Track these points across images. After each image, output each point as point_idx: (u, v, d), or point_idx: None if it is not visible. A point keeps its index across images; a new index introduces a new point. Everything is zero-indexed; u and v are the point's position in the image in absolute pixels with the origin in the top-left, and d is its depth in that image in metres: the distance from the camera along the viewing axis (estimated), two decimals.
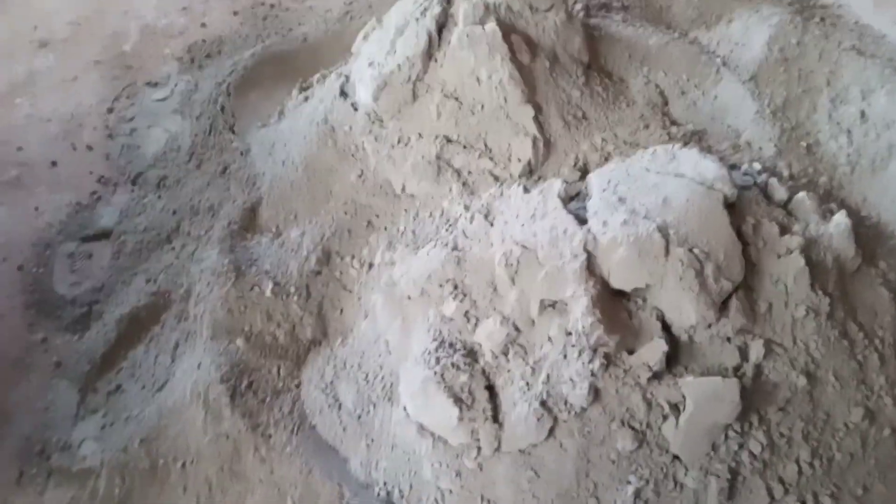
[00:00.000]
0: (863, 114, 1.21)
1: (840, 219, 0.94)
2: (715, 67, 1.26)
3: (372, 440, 0.91)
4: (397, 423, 0.89)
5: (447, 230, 0.99)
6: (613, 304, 0.83)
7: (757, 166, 1.04)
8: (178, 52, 1.62)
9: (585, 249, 0.82)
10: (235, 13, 1.70)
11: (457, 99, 1.07)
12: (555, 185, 0.89)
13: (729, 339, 0.83)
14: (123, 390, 1.08)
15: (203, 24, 1.69)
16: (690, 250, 0.81)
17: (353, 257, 1.08)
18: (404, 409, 0.88)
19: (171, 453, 0.95)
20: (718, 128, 1.17)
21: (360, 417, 0.93)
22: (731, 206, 0.89)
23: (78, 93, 1.58)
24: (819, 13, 1.50)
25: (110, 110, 1.53)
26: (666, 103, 1.22)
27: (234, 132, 1.33)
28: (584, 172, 1.04)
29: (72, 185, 1.40)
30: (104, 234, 1.30)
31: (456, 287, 0.89)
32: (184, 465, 0.94)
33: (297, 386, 0.99)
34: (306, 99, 1.33)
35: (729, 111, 1.21)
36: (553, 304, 0.83)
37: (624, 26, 1.34)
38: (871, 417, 0.85)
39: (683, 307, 0.81)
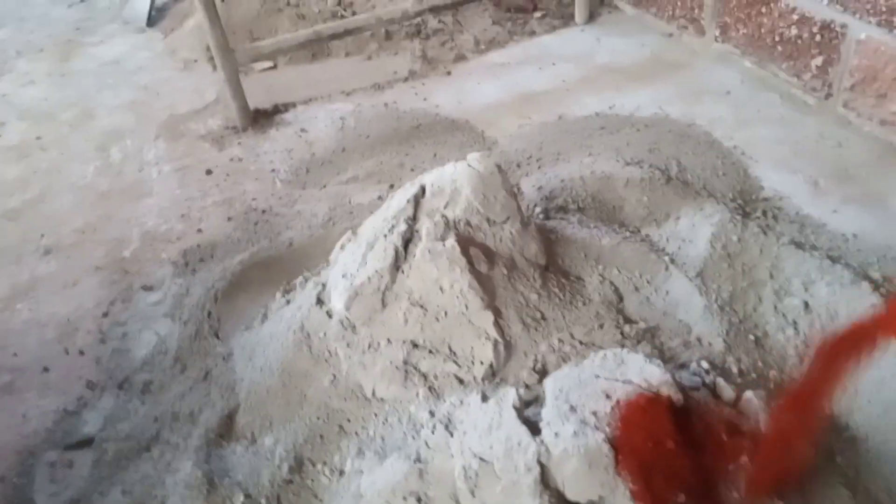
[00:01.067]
0: (806, 305, 1.29)
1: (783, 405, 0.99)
2: (664, 264, 1.36)
3: None
4: None
5: (413, 437, 1.03)
6: None
7: (705, 365, 1.10)
8: (174, 257, 1.74)
9: (539, 462, 0.85)
10: (230, 219, 1.85)
11: (422, 306, 1.16)
12: (509, 395, 0.95)
13: None
14: None
15: (199, 230, 1.83)
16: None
17: (324, 464, 1.10)
18: None
19: None
20: (670, 323, 1.25)
21: None
22: (681, 410, 0.94)
23: (77, 297, 1.68)
24: (761, 206, 1.64)
25: (105, 314, 1.62)
26: (621, 300, 1.30)
27: (218, 337, 1.40)
28: (543, 374, 1.10)
29: (60, 390, 1.45)
30: (87, 442, 1.33)
31: (419, 500, 0.92)
32: None
33: None
34: (288, 302, 1.42)
35: (680, 306, 1.29)
36: None
37: (579, 228, 1.46)
38: None
39: None
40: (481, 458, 0.88)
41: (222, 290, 1.51)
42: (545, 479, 0.84)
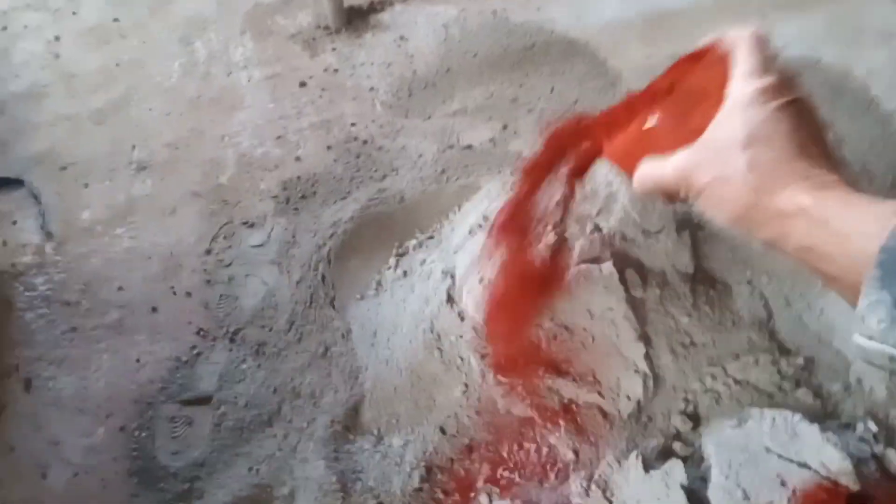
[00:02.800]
0: None
1: None
2: None
3: None
4: None
5: (556, 478, 1.00)
6: None
7: (873, 428, 1.02)
8: (274, 190, 1.66)
9: None
10: (329, 147, 1.73)
11: (567, 328, 1.08)
12: (677, 472, 0.90)
13: None
14: None
15: (298, 158, 1.72)
16: None
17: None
18: None
19: None
20: (827, 355, 1.16)
21: None
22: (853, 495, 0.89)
23: (177, 228, 1.62)
24: None
25: (208, 251, 1.57)
26: (771, 317, 1.21)
27: (334, 307, 1.36)
28: (695, 418, 1.04)
29: (171, 336, 1.45)
30: (205, 400, 1.34)
31: None
32: None
33: None
34: (405, 274, 1.35)
35: (835, 332, 1.19)
36: None
37: None
38: None
39: None
40: None
41: (335, 251, 1.43)
42: None
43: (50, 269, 1.57)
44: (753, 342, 1.15)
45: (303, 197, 1.63)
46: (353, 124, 1.78)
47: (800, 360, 1.13)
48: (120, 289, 1.54)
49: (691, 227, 1.26)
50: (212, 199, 1.67)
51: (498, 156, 1.62)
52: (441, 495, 1.09)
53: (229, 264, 1.54)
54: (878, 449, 0.98)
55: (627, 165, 0.68)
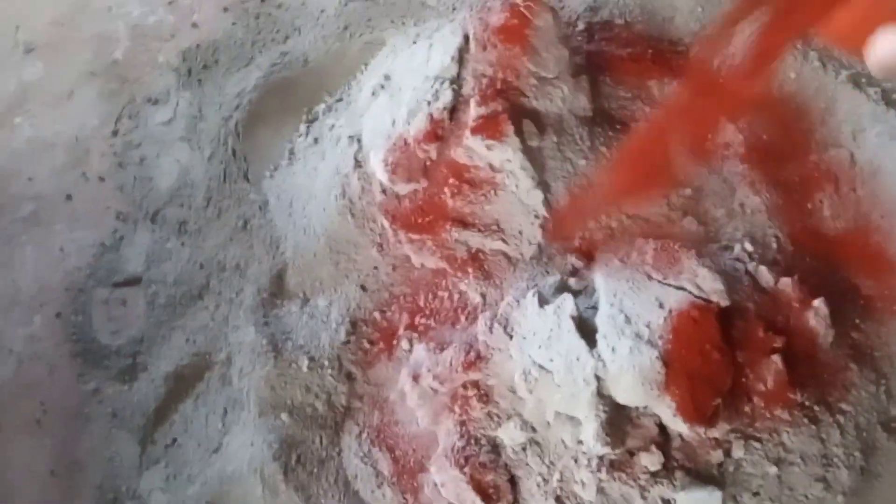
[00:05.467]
0: (852, 157, 1.27)
1: (819, 305, 1.06)
2: None
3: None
4: (432, 495, 1.05)
5: (465, 321, 1.10)
6: (619, 414, 0.96)
7: (749, 248, 1.13)
8: (173, 61, 1.59)
9: (596, 376, 0.94)
10: (226, 9, 1.64)
11: (469, 183, 1.13)
12: (567, 304, 0.99)
13: (716, 439, 0.98)
14: (180, 444, 1.22)
15: (194, 24, 1.64)
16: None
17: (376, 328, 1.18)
18: (435, 484, 1.04)
19: None
20: (715, 184, 1.24)
21: (395, 485, 1.09)
22: (725, 310, 1.00)
23: (78, 112, 1.57)
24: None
25: (115, 133, 1.54)
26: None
27: (248, 180, 1.37)
28: (590, 255, 1.13)
29: (90, 223, 1.45)
30: (135, 281, 1.38)
31: (479, 389, 1.02)
32: None
33: (339, 454, 1.13)
34: (315, 141, 1.35)
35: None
36: (566, 415, 0.97)
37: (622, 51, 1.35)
38: (828, 487, 1.02)
39: (678, 422, 0.94)
40: (542, 367, 0.96)
41: (242, 122, 1.42)
42: (600, 390, 0.93)
43: None
44: None
45: (205, 67, 1.57)
46: None
47: (687, 192, 1.21)
48: (30, 179, 1.51)
49: (593, 70, 1.28)
50: (109, 78, 1.59)
51: (401, 6, 1.56)
52: (367, 345, 1.18)
53: (139, 145, 1.52)
54: (752, 266, 1.09)
55: (854, 38, 0.53)
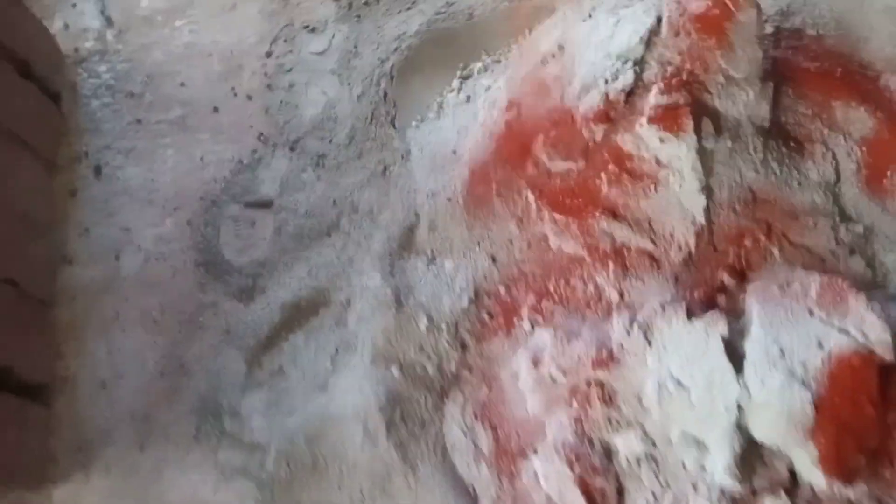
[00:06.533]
0: None
1: None
2: None
3: (503, 489, 1.06)
4: (530, 483, 1.03)
5: (598, 314, 1.06)
6: (752, 449, 0.91)
7: None
8: None
9: (738, 405, 0.88)
10: None
11: (630, 173, 1.07)
12: (718, 324, 0.93)
13: (849, 500, 0.91)
14: (285, 374, 1.24)
15: None
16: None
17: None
18: (535, 473, 1.02)
19: (332, 455, 1.13)
20: (887, 225, 1.14)
21: (492, 465, 1.08)
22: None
23: (237, 25, 1.58)
24: None
25: (268, 54, 1.54)
26: (839, 179, 1.18)
27: (394, 126, 1.35)
28: (742, 275, 1.06)
29: (233, 138, 1.47)
30: (266, 204, 1.40)
31: (603, 389, 0.98)
32: (341, 468, 1.12)
33: (441, 420, 1.13)
34: (468, 99, 1.32)
35: None
36: (695, 437, 0.92)
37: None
38: None
39: (815, 473, 0.88)
40: (679, 382, 0.91)
41: (398, 67, 1.39)
42: (739, 420, 0.88)
43: (112, 57, 1.57)
44: (816, 205, 1.13)
45: (366, 3, 1.55)
46: None
47: (859, 228, 1.12)
48: (182, 84, 1.54)
49: (776, 79, 1.19)
50: None
51: None
52: (487, 317, 1.16)
53: (290, 70, 1.52)
54: None
55: None
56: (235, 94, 1.51)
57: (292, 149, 1.43)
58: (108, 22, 1.61)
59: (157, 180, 1.46)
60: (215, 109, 1.50)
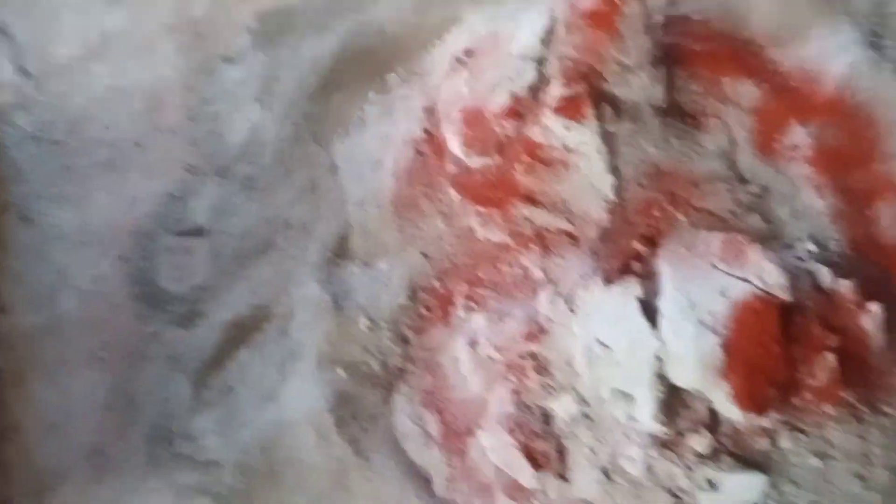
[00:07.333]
0: None
1: (875, 309, 1.07)
2: None
3: (455, 467, 1.11)
4: (478, 458, 1.08)
5: (526, 293, 1.12)
6: (674, 395, 0.98)
7: (811, 248, 1.14)
8: (251, 22, 1.62)
9: (657, 357, 0.96)
10: None
11: (542, 162, 1.15)
12: (633, 286, 1.01)
13: (764, 428, 1.00)
14: (234, 391, 1.27)
15: None
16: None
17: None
18: (482, 448, 1.07)
19: (287, 461, 1.16)
20: (782, 185, 1.24)
21: (442, 447, 1.12)
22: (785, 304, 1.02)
23: (156, 64, 1.60)
24: None
25: (189, 88, 1.58)
26: (735, 144, 1.28)
27: (319, 143, 1.40)
28: (653, 242, 1.15)
29: (161, 172, 1.49)
30: (200, 231, 1.42)
31: (537, 360, 1.05)
32: (298, 472, 1.15)
33: (390, 413, 1.17)
34: (387, 110, 1.39)
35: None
36: (622, 391, 0.99)
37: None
38: (866, 485, 1.04)
39: (731, 408, 0.97)
40: (603, 344, 0.98)
41: (317, 86, 1.45)
42: (660, 371, 0.96)
43: (33, 108, 1.57)
44: (714, 172, 1.23)
45: (281, 30, 1.60)
46: None
47: (755, 189, 1.22)
48: (107, 127, 1.55)
49: (669, 62, 1.29)
50: (187, 33, 1.63)
51: None
52: (424, 311, 1.21)
53: (211, 101, 1.55)
54: (813, 266, 1.10)
55: None
56: (160, 131, 1.54)
57: (222, 175, 1.46)
58: (25, 73, 1.62)
59: (89, 222, 1.47)
60: (141, 147, 1.53)
